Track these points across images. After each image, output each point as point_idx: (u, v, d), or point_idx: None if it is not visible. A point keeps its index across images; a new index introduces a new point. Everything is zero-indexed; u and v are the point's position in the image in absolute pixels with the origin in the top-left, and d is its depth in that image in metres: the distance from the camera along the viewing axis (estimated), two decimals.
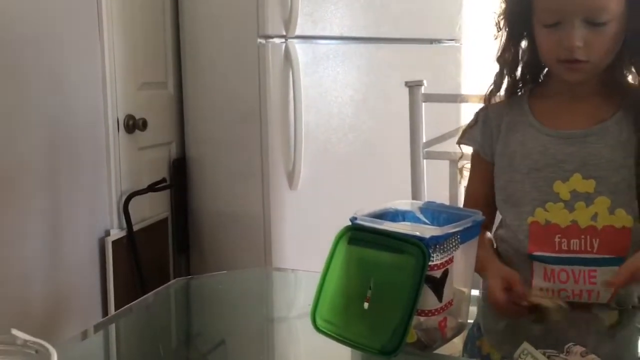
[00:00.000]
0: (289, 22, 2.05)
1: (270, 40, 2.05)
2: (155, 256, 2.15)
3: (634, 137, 1.04)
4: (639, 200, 1.03)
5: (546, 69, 1.12)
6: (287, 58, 2.06)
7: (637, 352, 0.98)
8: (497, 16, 1.12)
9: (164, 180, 2.15)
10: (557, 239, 1.05)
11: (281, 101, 2.08)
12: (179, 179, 2.23)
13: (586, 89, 1.08)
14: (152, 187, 2.08)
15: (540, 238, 1.06)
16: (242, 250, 2.16)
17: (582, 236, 1.04)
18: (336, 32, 2.22)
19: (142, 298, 1.30)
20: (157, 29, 2.16)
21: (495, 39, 1.13)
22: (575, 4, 1.00)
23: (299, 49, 2.09)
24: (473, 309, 1.03)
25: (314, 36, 2.15)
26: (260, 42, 2.05)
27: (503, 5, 1.12)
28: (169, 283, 1.37)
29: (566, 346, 0.84)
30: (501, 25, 1.12)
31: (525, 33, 1.10)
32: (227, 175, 2.18)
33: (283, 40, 2.07)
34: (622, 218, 1.04)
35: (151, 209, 2.13)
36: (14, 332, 0.65)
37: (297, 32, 2.07)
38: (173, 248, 2.25)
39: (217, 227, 2.22)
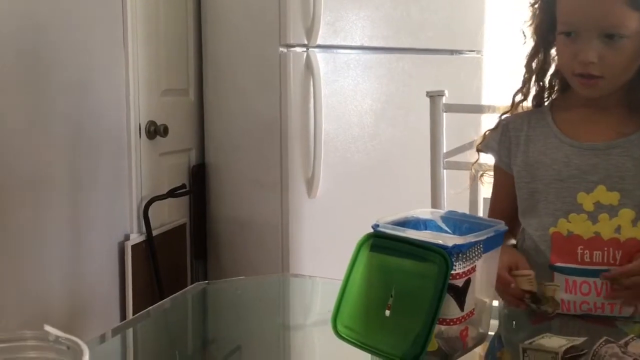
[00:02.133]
0: (310, 31, 2.06)
1: (292, 49, 2.06)
2: (173, 261, 2.15)
3: None
4: None
5: None
6: (308, 67, 2.07)
7: None
8: (524, 24, 1.12)
9: (183, 186, 2.16)
10: (579, 251, 1.05)
11: (301, 110, 2.08)
12: (198, 185, 2.24)
13: (610, 102, 1.07)
14: (172, 193, 2.10)
15: (563, 249, 1.06)
16: (259, 257, 2.16)
17: (605, 248, 1.04)
18: (357, 42, 2.22)
19: (160, 302, 1.31)
20: (179, 37, 2.18)
21: (524, 44, 1.12)
22: (591, 17, 1.00)
23: (320, 58, 2.09)
24: (494, 322, 1.02)
25: (335, 45, 2.16)
26: (281, 51, 2.06)
27: (530, 13, 1.11)
28: (187, 288, 1.37)
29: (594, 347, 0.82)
30: (527, 33, 1.12)
31: (553, 41, 1.10)
32: (246, 182, 2.18)
33: (304, 49, 2.07)
34: None
35: (170, 215, 2.14)
36: (47, 328, 0.66)
37: (319, 41, 2.07)
38: (191, 253, 2.26)
39: (235, 234, 2.22)
